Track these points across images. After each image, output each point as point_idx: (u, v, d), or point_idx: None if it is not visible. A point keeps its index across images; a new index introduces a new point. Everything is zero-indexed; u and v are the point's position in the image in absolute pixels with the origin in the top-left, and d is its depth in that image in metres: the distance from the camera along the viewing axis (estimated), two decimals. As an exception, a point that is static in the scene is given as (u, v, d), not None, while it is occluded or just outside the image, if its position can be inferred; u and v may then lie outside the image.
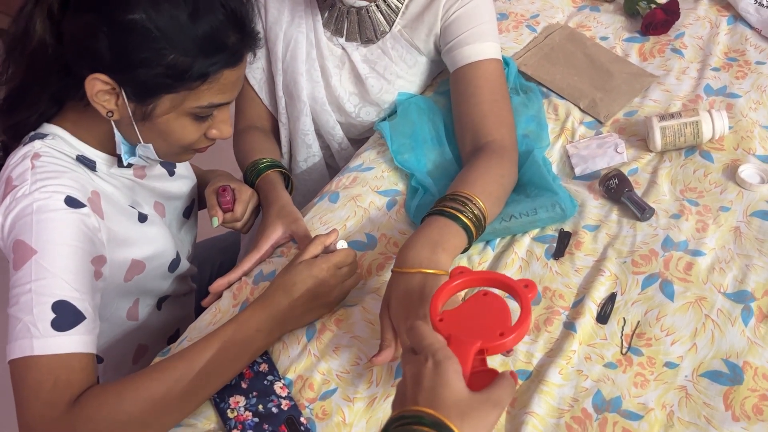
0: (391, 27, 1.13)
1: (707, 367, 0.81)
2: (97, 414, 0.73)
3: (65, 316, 0.76)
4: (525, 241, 0.97)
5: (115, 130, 0.85)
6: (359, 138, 1.28)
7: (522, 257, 0.95)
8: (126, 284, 0.95)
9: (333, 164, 1.33)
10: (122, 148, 0.87)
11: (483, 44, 1.07)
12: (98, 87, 0.78)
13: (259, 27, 0.82)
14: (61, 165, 0.83)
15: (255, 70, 1.21)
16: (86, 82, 0.77)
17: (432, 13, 1.09)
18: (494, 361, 0.83)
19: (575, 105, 1.15)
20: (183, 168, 1.08)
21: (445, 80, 1.22)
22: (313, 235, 1.00)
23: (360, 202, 1.05)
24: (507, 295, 0.70)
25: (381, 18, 1.13)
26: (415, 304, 0.79)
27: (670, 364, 0.82)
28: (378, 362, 0.78)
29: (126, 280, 0.94)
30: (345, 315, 0.92)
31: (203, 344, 0.80)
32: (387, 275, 0.95)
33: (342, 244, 0.90)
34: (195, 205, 1.15)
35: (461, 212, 0.87)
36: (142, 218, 0.96)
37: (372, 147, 1.16)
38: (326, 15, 1.15)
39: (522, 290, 0.66)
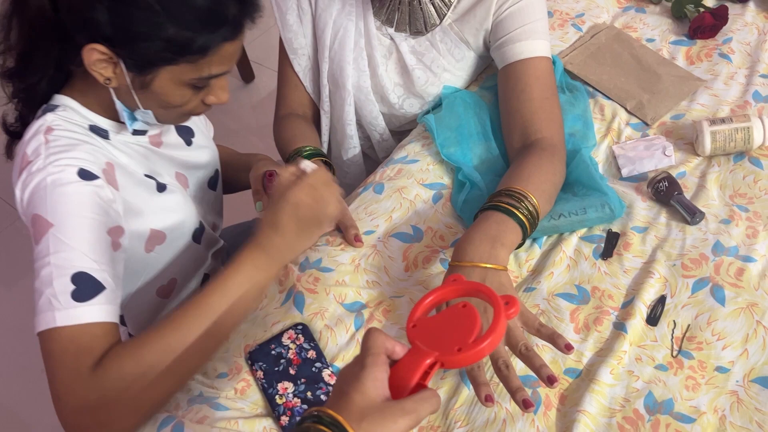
0: (441, 20, 1.13)
1: (758, 373, 0.81)
2: (120, 371, 0.74)
3: (85, 287, 0.76)
4: (573, 241, 0.97)
5: (114, 97, 0.85)
6: (400, 130, 1.28)
7: (570, 256, 0.95)
8: (149, 255, 0.95)
9: (372, 155, 1.33)
10: (124, 114, 0.87)
11: (535, 41, 1.07)
12: (95, 56, 0.77)
13: None
14: (74, 137, 0.84)
15: (301, 57, 1.21)
16: (84, 52, 0.77)
17: (484, 8, 1.09)
18: (545, 356, 0.83)
19: (622, 106, 1.15)
20: (201, 138, 1.08)
21: (491, 75, 1.22)
22: (358, 224, 1.01)
23: (405, 194, 1.05)
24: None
25: (432, 10, 1.13)
26: (475, 299, 0.78)
27: (721, 369, 0.82)
28: None
29: (147, 251, 0.94)
30: (392, 306, 0.92)
31: (209, 290, 0.80)
32: (433, 268, 0.96)
33: (307, 165, 0.89)
34: (219, 176, 1.14)
35: (517, 208, 0.87)
36: (161, 188, 0.95)
37: (416, 139, 1.15)
38: (377, 4, 1.15)
39: (499, 305, 0.60)
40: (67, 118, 0.85)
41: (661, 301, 0.88)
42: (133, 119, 0.88)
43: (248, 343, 0.89)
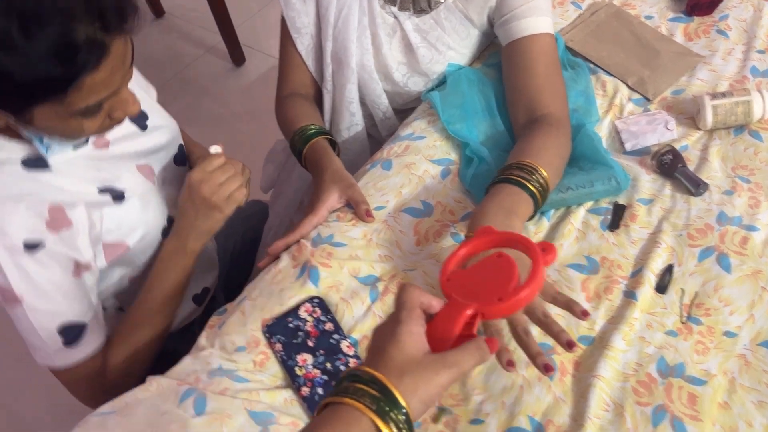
0: (445, -2, 1.14)
1: (765, 337, 0.84)
2: (117, 369, 0.93)
3: (71, 333, 0.86)
4: (580, 213, 0.99)
5: (19, 130, 0.78)
6: (403, 108, 1.29)
7: (578, 228, 0.97)
8: (123, 255, 0.93)
9: (374, 134, 1.34)
10: (36, 144, 0.80)
11: (539, 18, 1.08)
12: None
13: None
14: (6, 190, 0.78)
15: (304, 36, 1.21)
16: None
17: None
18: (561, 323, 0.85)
19: (623, 82, 1.16)
20: (157, 118, 1.02)
21: (494, 53, 1.23)
22: (369, 200, 1.02)
23: (414, 170, 1.06)
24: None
25: (436, -12, 1.13)
26: None
27: (729, 334, 0.84)
28: None
29: (118, 256, 0.92)
30: (406, 279, 0.93)
31: (149, 286, 0.95)
32: (444, 242, 0.97)
33: (215, 149, 0.94)
34: (184, 150, 1.09)
35: (528, 180, 0.89)
36: (118, 197, 0.89)
37: (421, 117, 1.16)
38: None
39: (536, 252, 0.59)
40: (1, 169, 0.79)
41: (669, 269, 0.91)
42: (48, 147, 0.82)
43: (265, 317, 0.90)
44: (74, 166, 0.86)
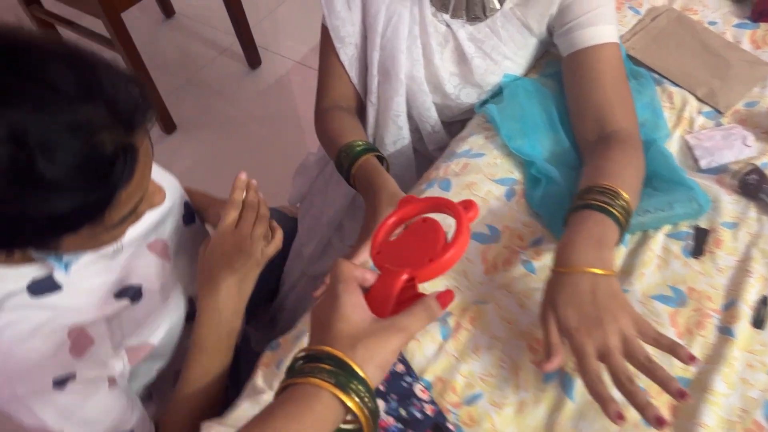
0: (502, 4, 1.06)
1: None
2: None
3: None
4: (659, 238, 0.92)
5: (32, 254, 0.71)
6: (451, 121, 1.22)
7: (659, 254, 0.90)
8: (139, 364, 0.84)
9: (420, 148, 1.27)
10: (49, 262, 0.73)
11: (604, 26, 1.01)
12: None
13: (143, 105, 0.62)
14: (18, 328, 0.70)
15: (348, 46, 1.13)
16: None
17: None
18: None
19: (691, 93, 1.09)
20: (158, 179, 0.90)
21: (551, 62, 1.15)
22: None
23: (476, 191, 0.99)
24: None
25: (492, -6, 1.06)
26: (587, 306, 0.73)
27: (837, 374, 0.77)
28: (549, 369, 0.72)
29: (135, 364, 0.83)
30: (478, 313, 0.86)
31: (187, 361, 0.85)
32: (515, 270, 0.90)
33: (239, 186, 0.88)
34: (190, 206, 1.00)
35: (612, 206, 0.82)
36: (135, 296, 0.82)
37: (477, 131, 1.09)
38: None
39: (459, 211, 0.60)
40: (6, 306, 0.69)
41: (764, 302, 0.84)
42: (68, 264, 0.74)
43: (327, 357, 0.82)
44: (85, 277, 0.77)
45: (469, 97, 1.14)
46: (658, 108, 1.07)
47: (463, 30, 1.09)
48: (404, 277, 0.56)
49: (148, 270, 0.85)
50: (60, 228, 0.60)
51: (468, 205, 0.61)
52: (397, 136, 1.19)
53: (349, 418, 0.52)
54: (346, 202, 1.29)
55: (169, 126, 2.25)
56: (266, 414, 0.51)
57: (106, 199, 0.59)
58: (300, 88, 2.35)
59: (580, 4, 1.01)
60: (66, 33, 2.28)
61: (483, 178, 1.00)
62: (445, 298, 0.57)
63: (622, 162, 0.91)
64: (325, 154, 1.37)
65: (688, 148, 1.03)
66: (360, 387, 0.51)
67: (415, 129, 1.22)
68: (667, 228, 0.93)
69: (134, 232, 0.85)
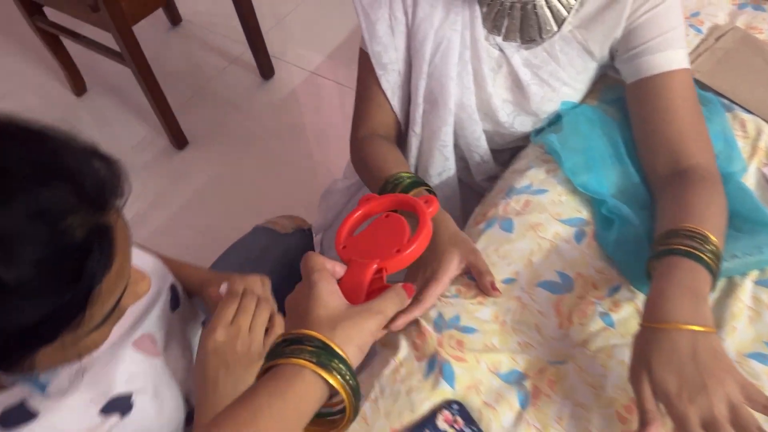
0: (560, 27, 0.98)
1: None
2: None
3: None
4: (747, 286, 0.84)
5: None
6: (501, 149, 1.14)
7: (749, 305, 0.82)
8: None
9: (465, 178, 1.19)
10: (26, 387, 0.63)
11: (676, 51, 0.93)
12: None
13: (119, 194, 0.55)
14: None
15: (390, 73, 1.05)
16: None
17: (615, 12, 0.94)
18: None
19: (766, 121, 1.02)
20: (140, 264, 0.77)
21: (611, 87, 1.07)
22: (493, 270, 0.86)
23: (542, 233, 0.91)
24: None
25: (549, 15, 0.98)
26: (688, 369, 0.65)
27: None
28: None
29: None
30: (557, 375, 0.78)
31: None
32: (593, 324, 0.82)
33: (223, 288, 0.81)
34: (177, 290, 0.89)
35: (702, 252, 0.75)
36: (125, 409, 0.70)
37: (536, 164, 1.01)
38: (485, 10, 0.99)
39: (420, 206, 0.66)
40: None
41: None
42: (46, 385, 0.64)
43: (394, 427, 0.75)
44: (67, 394, 0.66)
45: (523, 125, 1.06)
46: (730, 137, 0.99)
47: (518, 55, 1.01)
48: (374, 267, 0.61)
49: (137, 373, 0.73)
50: (32, 341, 0.51)
51: (428, 200, 0.67)
52: (442, 167, 1.11)
53: (333, 401, 0.55)
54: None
55: (180, 141, 2.16)
56: (249, 392, 0.52)
57: (83, 296, 0.50)
58: (315, 100, 2.27)
59: (650, 27, 0.94)
60: (71, 45, 2.18)
61: (548, 218, 0.92)
62: (409, 289, 0.62)
63: (704, 201, 0.83)
64: (353, 182, 1.29)
65: (766, 182, 0.95)
66: (341, 365, 0.53)
67: (461, 158, 1.14)
68: (754, 274, 0.85)
69: (117, 330, 0.73)
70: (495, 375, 0.78)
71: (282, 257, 1.17)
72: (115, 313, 0.58)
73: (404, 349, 0.82)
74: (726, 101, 1.05)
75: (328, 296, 0.57)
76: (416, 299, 0.82)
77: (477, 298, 0.85)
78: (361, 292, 0.60)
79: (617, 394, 0.76)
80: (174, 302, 0.87)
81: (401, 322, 0.81)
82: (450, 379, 0.77)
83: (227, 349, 0.74)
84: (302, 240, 1.27)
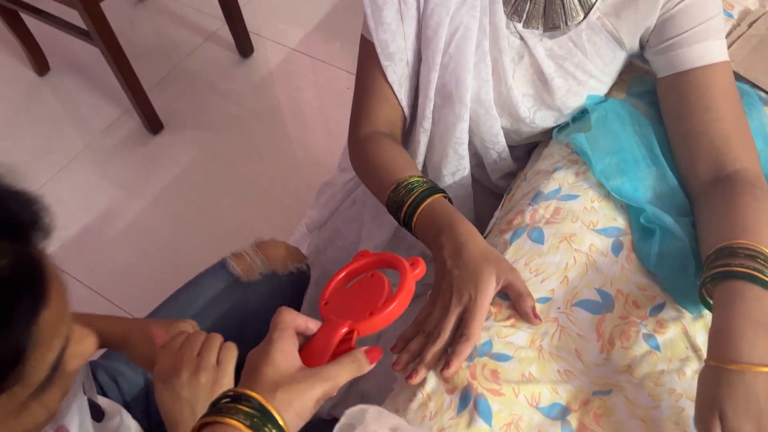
0: (586, 14, 0.89)
1: None
2: None
3: None
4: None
5: None
6: (515, 145, 1.05)
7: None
8: None
9: (479, 176, 1.10)
10: None
11: (715, 42, 0.85)
12: None
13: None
14: None
15: (397, 64, 0.94)
16: None
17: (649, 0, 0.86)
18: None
19: (806, 116, 0.95)
20: None
21: (639, 79, 0.99)
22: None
23: (577, 245, 0.83)
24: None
25: (576, 1, 0.88)
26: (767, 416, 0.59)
27: None
28: None
29: None
30: (603, 408, 0.71)
31: None
32: (637, 348, 0.75)
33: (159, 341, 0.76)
34: (95, 401, 0.79)
35: (766, 274, 0.68)
36: None
37: (564, 165, 0.92)
38: None
39: (404, 266, 0.64)
40: None
41: None
42: None
43: (428, 473, 0.67)
44: None
45: (545, 120, 0.98)
46: (769, 135, 0.92)
47: (541, 45, 0.91)
48: (344, 329, 0.60)
49: None
50: None
51: (414, 261, 0.65)
52: (457, 166, 1.02)
53: None
54: (387, 236, 1.12)
55: (155, 125, 2.02)
56: None
57: (15, 343, 0.42)
58: (298, 78, 2.14)
59: (687, 16, 0.85)
60: (32, 22, 2.02)
61: (582, 227, 0.84)
62: (373, 354, 0.59)
63: (757, 212, 0.76)
64: (353, 178, 1.19)
65: (809, 184, 0.89)
66: (274, 431, 0.52)
67: (473, 155, 1.05)
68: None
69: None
70: (535, 409, 0.71)
71: (232, 310, 1.02)
72: (58, 373, 0.49)
73: (432, 380, 0.73)
74: (763, 94, 0.97)
75: (280, 356, 0.56)
76: (463, 335, 0.73)
77: (510, 320, 0.77)
78: (327, 353, 0.59)
79: (670, 429, 0.69)
80: (98, 414, 0.77)
81: (454, 368, 0.72)
82: (487, 415, 0.69)
83: (180, 387, 0.68)
84: (272, 286, 1.06)
